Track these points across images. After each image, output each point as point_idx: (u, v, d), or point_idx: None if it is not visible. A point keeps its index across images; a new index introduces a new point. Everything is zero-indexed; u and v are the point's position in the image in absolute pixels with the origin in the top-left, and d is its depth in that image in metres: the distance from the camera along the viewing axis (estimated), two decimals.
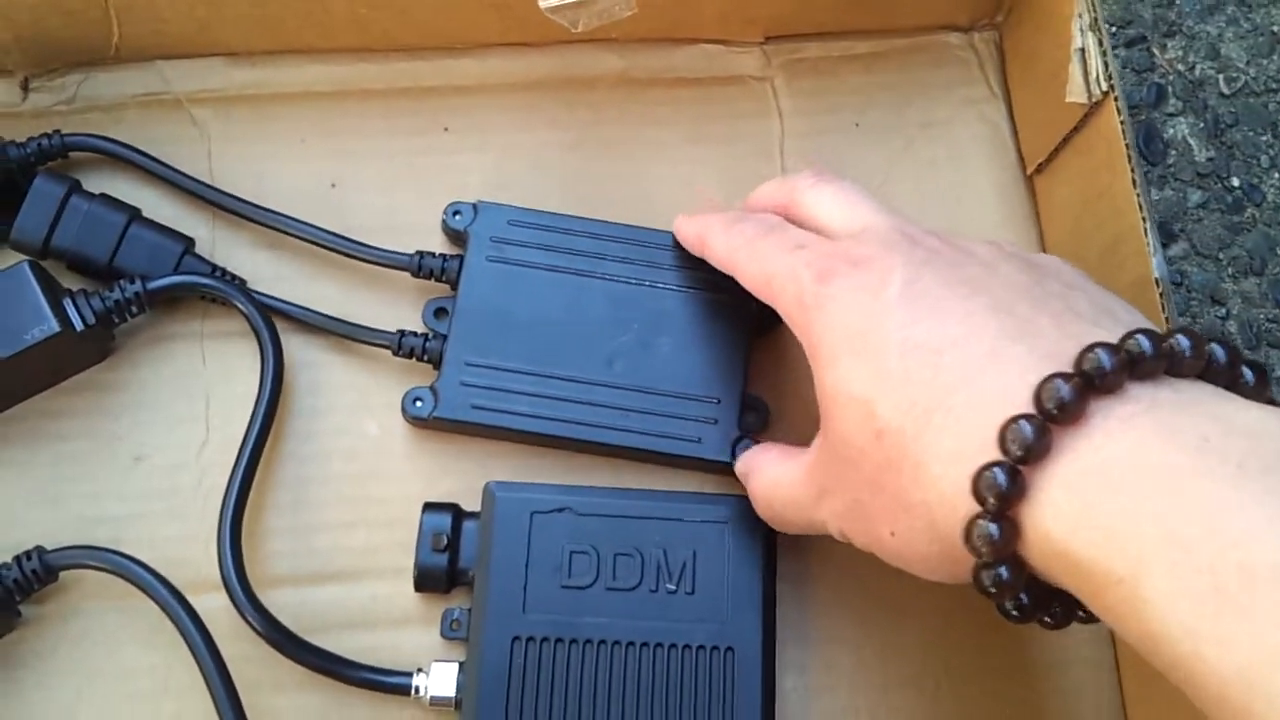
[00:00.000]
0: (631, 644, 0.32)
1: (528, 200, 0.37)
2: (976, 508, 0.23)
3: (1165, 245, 0.45)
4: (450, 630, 0.34)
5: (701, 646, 0.32)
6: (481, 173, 0.39)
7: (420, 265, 0.37)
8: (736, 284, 0.36)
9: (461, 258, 0.36)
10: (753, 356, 0.36)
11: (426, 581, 0.34)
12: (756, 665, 0.32)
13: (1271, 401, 0.24)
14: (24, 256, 0.35)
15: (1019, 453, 0.23)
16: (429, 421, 0.35)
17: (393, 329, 0.36)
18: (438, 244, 0.38)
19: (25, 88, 0.39)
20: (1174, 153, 0.46)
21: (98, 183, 0.38)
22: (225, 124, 0.39)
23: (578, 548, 0.33)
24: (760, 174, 0.39)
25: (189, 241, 0.37)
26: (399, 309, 0.37)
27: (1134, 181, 0.33)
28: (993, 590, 0.24)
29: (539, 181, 0.39)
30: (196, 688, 0.31)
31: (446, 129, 0.40)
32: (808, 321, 0.28)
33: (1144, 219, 0.33)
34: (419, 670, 0.33)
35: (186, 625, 0.32)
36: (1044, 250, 0.39)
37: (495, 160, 0.39)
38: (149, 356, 0.37)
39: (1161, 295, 0.32)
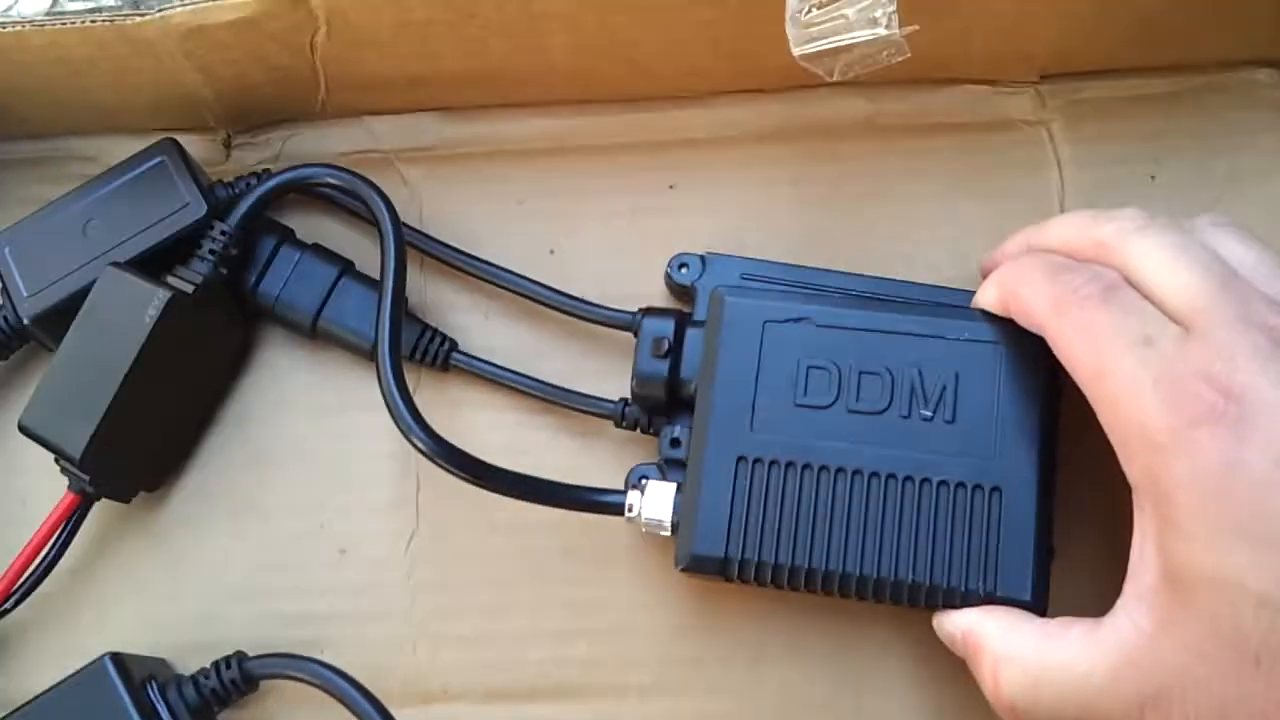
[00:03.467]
0: (875, 475, 0.28)
1: None
2: None
3: None
4: (670, 449, 0.31)
5: (961, 484, 0.28)
6: (711, 235, 0.34)
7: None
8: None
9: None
10: None
11: (645, 391, 0.30)
12: (1030, 512, 0.27)
13: None
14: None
15: None
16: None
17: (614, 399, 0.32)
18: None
19: (228, 145, 0.37)
20: None
21: None
22: (437, 184, 0.36)
23: (816, 363, 0.29)
24: None
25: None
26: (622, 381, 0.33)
27: None
28: None
29: (775, 244, 0.34)
30: None
31: (672, 186, 0.36)
32: (1161, 464, 0.23)
33: None
34: (633, 487, 0.30)
35: None
36: None
37: (726, 222, 0.35)
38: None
39: None
